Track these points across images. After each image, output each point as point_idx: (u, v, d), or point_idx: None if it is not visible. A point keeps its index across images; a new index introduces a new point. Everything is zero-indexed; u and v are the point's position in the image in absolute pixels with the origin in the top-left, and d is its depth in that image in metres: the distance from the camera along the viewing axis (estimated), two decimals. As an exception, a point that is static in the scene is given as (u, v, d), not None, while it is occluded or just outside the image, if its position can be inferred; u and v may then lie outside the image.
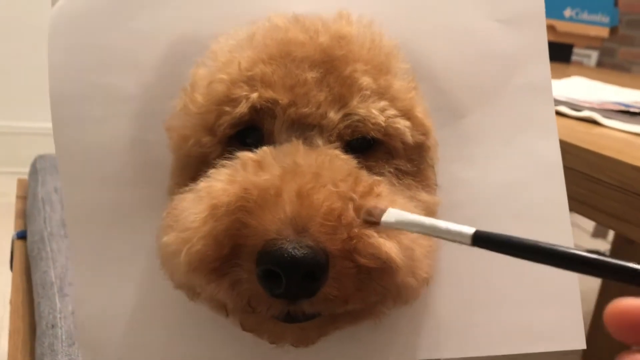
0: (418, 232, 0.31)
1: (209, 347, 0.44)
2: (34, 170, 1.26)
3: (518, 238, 0.26)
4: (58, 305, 0.77)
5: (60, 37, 0.44)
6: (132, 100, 0.44)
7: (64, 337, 0.71)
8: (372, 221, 0.32)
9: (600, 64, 3.12)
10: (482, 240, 0.27)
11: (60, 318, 0.74)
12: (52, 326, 0.73)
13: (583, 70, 1.61)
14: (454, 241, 0.28)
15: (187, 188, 0.38)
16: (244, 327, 0.38)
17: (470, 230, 0.27)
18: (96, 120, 0.44)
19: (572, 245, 0.43)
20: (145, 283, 0.44)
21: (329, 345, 0.41)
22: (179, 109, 0.41)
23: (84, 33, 0.44)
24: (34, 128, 2.27)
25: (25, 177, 1.30)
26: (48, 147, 1.50)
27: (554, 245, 0.25)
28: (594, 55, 2.99)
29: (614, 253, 1.62)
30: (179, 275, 0.35)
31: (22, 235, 1.08)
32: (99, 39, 0.44)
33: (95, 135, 0.44)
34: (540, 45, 0.44)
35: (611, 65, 3.25)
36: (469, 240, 0.27)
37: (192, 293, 0.39)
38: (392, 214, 0.31)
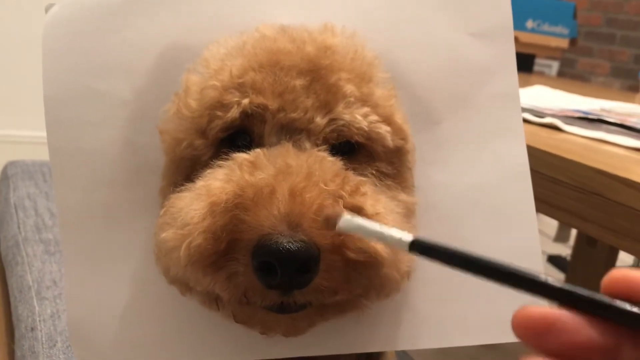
0: (366, 236, 0.32)
1: (200, 342, 0.45)
2: (4, 177, 1.25)
3: (454, 248, 0.26)
4: (37, 308, 0.77)
5: (54, 43, 0.45)
6: (125, 105, 0.45)
7: (44, 339, 0.71)
8: (330, 227, 0.32)
9: (560, 74, 3.24)
10: (418, 247, 0.28)
11: (39, 321, 0.75)
12: (32, 329, 0.74)
13: (544, 79, 1.67)
14: (395, 246, 0.29)
15: (182, 187, 0.40)
16: (237, 319, 0.40)
17: (409, 237, 0.28)
18: (89, 123, 0.45)
19: (538, 242, 0.47)
20: (137, 282, 0.46)
21: (315, 337, 0.44)
22: (172, 113, 0.43)
23: (78, 39, 0.45)
24: (4, 135, 2.23)
25: (-5, 183, 1.29)
26: (18, 154, 1.48)
27: (488, 258, 0.26)
28: (555, 65, 3.11)
29: (575, 256, 1.68)
30: (176, 269, 0.37)
31: (-6, 241, 1.07)
32: (93, 45, 0.45)
33: (88, 138, 0.45)
34: (508, 57, 0.48)
35: (571, 75, 3.37)
36: (406, 247, 0.28)
37: (185, 288, 0.41)
38: (346, 220, 0.31)
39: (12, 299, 0.85)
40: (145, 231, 0.45)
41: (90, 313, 0.46)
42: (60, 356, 0.68)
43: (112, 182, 0.46)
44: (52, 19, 0.46)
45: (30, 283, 0.84)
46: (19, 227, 1.01)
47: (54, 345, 0.70)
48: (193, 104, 0.42)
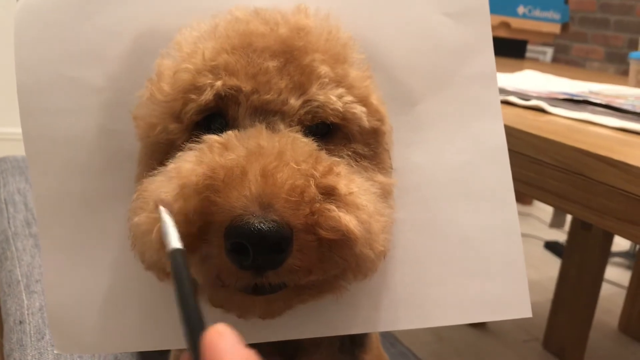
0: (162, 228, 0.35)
1: (180, 328, 0.45)
2: (-6, 172, 1.25)
3: (188, 282, 0.29)
4: (25, 302, 0.77)
5: (27, 30, 0.45)
6: (99, 92, 0.45)
7: (32, 332, 0.71)
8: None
9: (555, 60, 3.23)
10: (172, 257, 0.31)
11: (28, 314, 0.75)
12: (20, 322, 0.74)
13: (538, 65, 1.67)
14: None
15: (155, 171, 0.39)
16: (213, 303, 0.40)
17: (175, 245, 0.32)
18: (63, 111, 0.45)
19: (516, 221, 0.47)
20: (115, 269, 0.46)
21: (295, 321, 0.44)
22: (145, 98, 0.43)
23: (51, 26, 0.45)
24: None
25: (-14, 179, 1.28)
26: (8, 150, 1.47)
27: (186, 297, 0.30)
28: (549, 51, 3.10)
29: (570, 241, 1.68)
30: (150, 254, 0.37)
31: (-16, 236, 1.07)
32: (66, 32, 0.45)
33: (63, 126, 0.45)
34: (485, 37, 0.47)
35: (565, 61, 3.37)
36: (168, 254, 0.32)
37: (162, 273, 0.41)
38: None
39: (1, 294, 0.84)
40: (122, 218, 0.45)
41: (69, 301, 0.46)
42: (48, 348, 0.68)
43: (88, 169, 0.45)
44: (24, 7, 0.45)
45: (19, 277, 0.84)
46: (8, 222, 1.01)
47: (42, 338, 0.70)
48: (166, 88, 0.41)
